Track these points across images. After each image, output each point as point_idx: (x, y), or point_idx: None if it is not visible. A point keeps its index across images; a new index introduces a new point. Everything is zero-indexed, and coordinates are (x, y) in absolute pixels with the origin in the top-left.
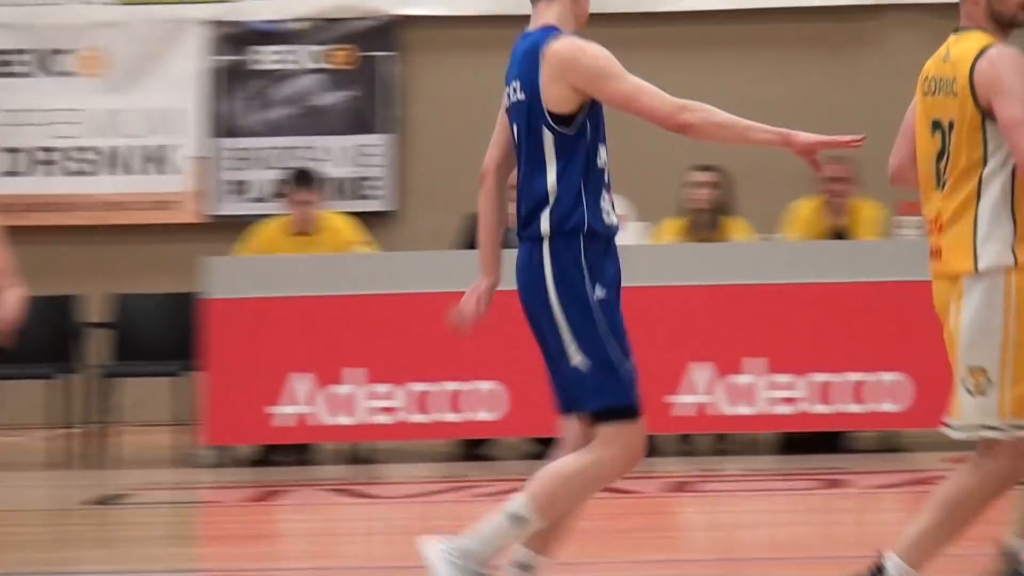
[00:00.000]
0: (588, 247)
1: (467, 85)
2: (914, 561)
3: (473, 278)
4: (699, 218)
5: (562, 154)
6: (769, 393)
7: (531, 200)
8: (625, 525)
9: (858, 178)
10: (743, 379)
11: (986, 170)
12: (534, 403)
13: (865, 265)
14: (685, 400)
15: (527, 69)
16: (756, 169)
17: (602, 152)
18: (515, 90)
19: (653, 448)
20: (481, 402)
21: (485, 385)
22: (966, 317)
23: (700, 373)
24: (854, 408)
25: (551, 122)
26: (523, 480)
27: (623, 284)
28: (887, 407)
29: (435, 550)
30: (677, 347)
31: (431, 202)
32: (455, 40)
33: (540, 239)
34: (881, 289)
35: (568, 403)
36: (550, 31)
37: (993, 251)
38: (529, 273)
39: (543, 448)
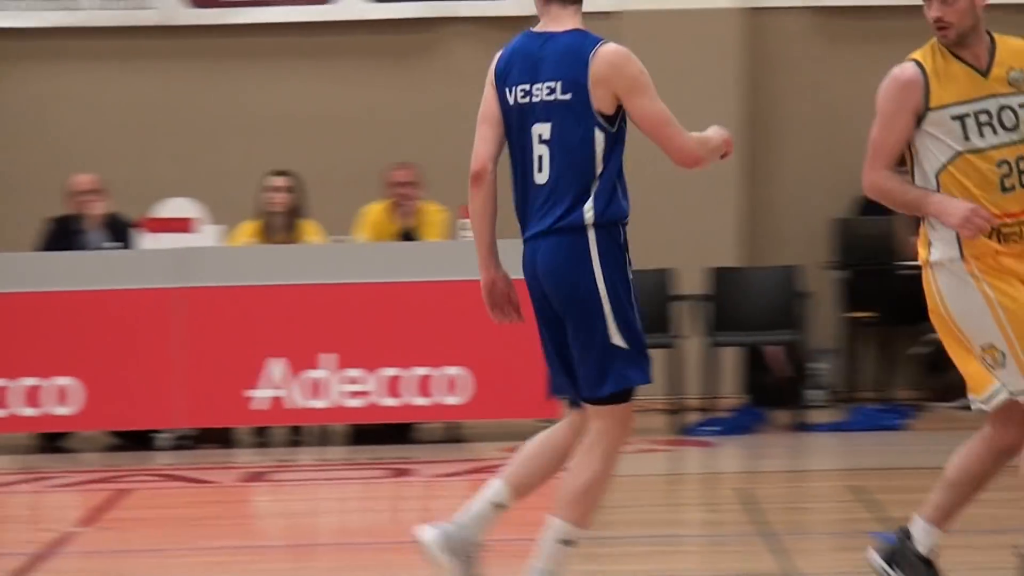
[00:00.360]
0: (624, 232)
1: None
2: (936, 520)
3: (41, 278)
4: (274, 221)
5: (608, 149)
6: (341, 387)
7: (569, 193)
8: (203, 513)
9: (424, 182)
10: (317, 374)
11: (916, 174)
12: (111, 397)
13: (431, 265)
14: (262, 394)
15: (570, 70)
16: (327, 173)
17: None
18: (551, 90)
19: (231, 440)
20: (59, 397)
21: (63, 380)
22: (950, 303)
23: (276, 368)
24: (420, 401)
25: (601, 121)
26: (99, 472)
27: None
28: (450, 400)
29: None
30: (254, 343)
31: None
32: None
33: (581, 229)
34: (447, 288)
35: (598, 386)
36: (587, 34)
37: (941, 243)
38: (569, 262)
39: (120, 441)
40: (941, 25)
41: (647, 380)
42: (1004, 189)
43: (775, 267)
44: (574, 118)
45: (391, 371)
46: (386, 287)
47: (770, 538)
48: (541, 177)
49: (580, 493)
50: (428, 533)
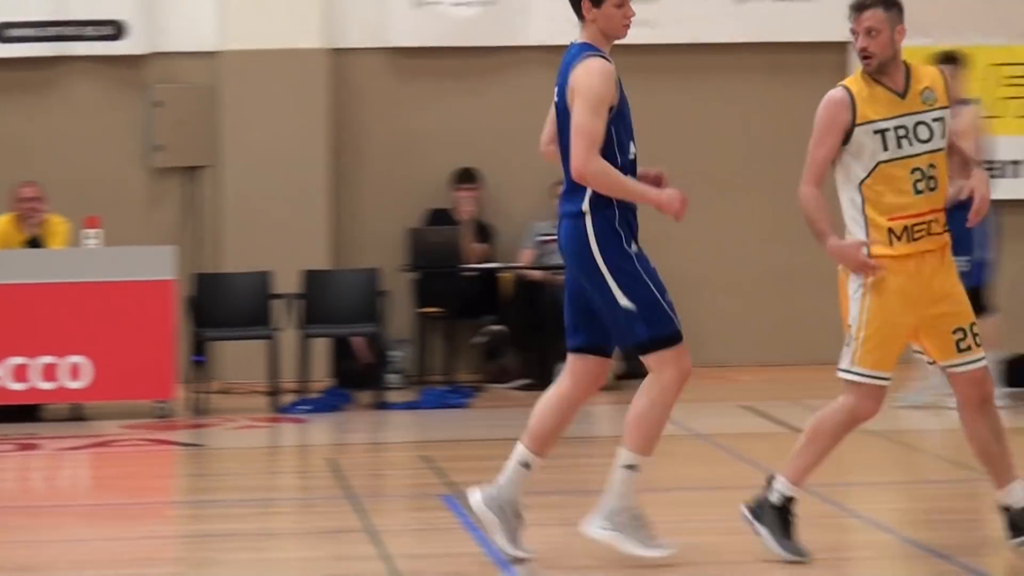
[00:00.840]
0: (620, 216)
1: None
2: (794, 477)
3: None
4: None
5: None
6: None
7: (569, 182)
8: None
9: (47, 197)
10: None
11: (842, 194)
12: None
13: (56, 268)
14: None
15: (564, 75)
16: None
17: (630, 147)
18: (556, 91)
19: None
20: None
21: None
22: (853, 283)
23: None
24: (46, 385)
25: None
26: None
27: None
28: (74, 384)
29: (592, 529)
30: None
31: None
32: None
33: (581, 215)
34: (70, 288)
35: (624, 340)
36: (585, 48)
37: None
38: (576, 243)
39: None
40: (866, 55)
41: (655, 335)
42: (917, 192)
43: (359, 269)
44: (564, 117)
45: (18, 360)
46: (14, 288)
47: (353, 500)
48: (563, 165)
49: (635, 423)
50: (474, 495)
